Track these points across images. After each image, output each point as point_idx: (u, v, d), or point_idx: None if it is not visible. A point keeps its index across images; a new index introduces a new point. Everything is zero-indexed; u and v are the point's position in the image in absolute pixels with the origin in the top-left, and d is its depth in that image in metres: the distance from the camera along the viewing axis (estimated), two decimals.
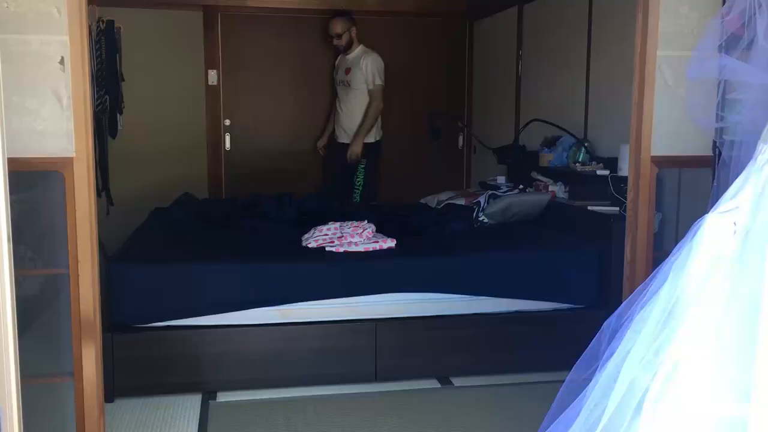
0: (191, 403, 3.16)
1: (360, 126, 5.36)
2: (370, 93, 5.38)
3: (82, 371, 2.44)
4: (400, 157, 6.26)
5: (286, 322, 3.30)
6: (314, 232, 3.70)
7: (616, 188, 3.66)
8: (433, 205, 4.75)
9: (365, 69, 5.35)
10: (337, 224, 3.74)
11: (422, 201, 5.01)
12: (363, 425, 2.96)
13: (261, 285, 3.27)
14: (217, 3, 5.77)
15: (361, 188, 5.39)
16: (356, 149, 5.32)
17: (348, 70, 5.45)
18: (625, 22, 3.91)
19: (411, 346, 3.39)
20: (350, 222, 3.79)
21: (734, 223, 1.63)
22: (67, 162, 2.36)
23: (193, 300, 3.21)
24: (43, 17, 2.31)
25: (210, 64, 5.82)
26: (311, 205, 4.45)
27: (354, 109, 5.44)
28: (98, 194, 4.09)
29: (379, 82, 5.35)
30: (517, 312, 3.51)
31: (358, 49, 5.45)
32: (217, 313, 3.23)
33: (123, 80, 5.31)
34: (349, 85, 5.44)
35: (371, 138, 5.43)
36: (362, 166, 5.37)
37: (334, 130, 5.66)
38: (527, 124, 4.94)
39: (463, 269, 3.46)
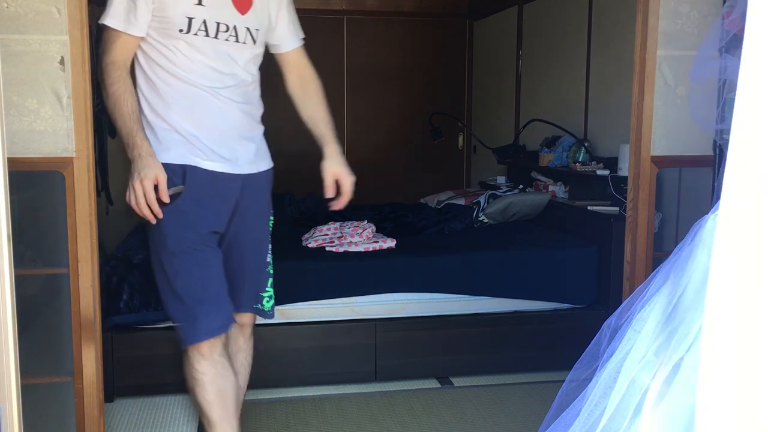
0: (191, 403, 3.16)
1: None
2: None
3: (82, 371, 2.44)
4: (400, 157, 6.27)
5: (286, 322, 3.30)
6: (314, 232, 3.71)
7: (616, 188, 3.66)
8: (433, 205, 4.75)
9: None
10: (337, 224, 3.75)
11: (422, 201, 5.02)
12: (363, 425, 2.96)
13: None
14: None
15: None
16: None
17: None
18: (625, 22, 3.92)
19: (411, 346, 3.39)
20: (350, 222, 3.79)
21: None
22: (67, 162, 2.36)
23: None
24: (43, 17, 2.31)
25: None
26: (311, 205, 4.45)
27: None
28: (98, 194, 4.09)
29: None
30: (517, 312, 3.51)
31: None
32: None
33: None
34: None
35: None
36: None
37: None
38: (527, 124, 4.94)
39: (463, 269, 3.45)
